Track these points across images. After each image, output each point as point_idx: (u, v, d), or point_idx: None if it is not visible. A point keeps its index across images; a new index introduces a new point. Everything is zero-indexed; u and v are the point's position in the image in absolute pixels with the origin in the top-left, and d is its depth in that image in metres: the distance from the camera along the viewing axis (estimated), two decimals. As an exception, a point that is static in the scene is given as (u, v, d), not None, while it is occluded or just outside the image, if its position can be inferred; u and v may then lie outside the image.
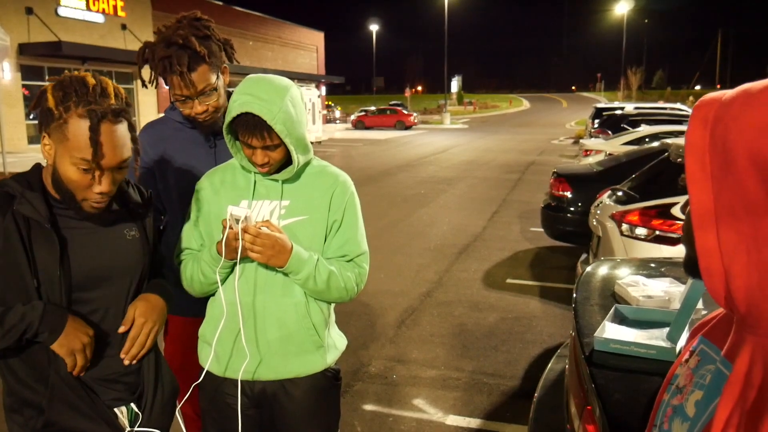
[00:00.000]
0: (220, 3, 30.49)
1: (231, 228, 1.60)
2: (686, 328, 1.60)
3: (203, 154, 2.14)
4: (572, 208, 6.19)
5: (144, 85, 2.06)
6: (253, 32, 33.34)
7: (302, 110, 1.71)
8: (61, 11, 21.01)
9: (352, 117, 39.36)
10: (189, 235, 1.83)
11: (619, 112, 14.90)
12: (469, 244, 7.60)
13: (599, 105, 18.83)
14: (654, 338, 1.70)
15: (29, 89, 20.00)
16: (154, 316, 1.58)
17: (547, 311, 5.15)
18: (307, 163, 1.79)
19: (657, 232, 4.06)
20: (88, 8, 22.08)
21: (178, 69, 1.93)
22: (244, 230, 1.59)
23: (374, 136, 29.89)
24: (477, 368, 4.05)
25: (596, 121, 15.82)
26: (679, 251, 3.82)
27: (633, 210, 4.28)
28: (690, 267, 0.75)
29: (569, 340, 2.25)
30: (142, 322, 1.55)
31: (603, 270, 2.50)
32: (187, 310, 2.10)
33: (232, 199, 1.77)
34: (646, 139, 9.44)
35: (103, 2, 22.59)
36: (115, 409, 1.58)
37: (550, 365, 2.65)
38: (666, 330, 1.69)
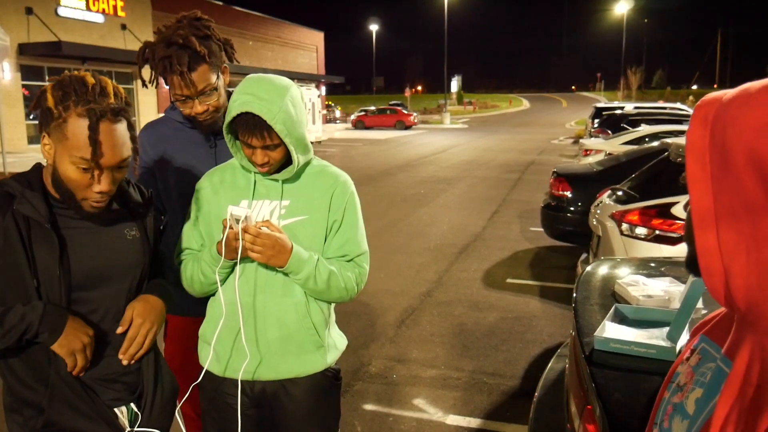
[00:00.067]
0: (220, 3, 30.49)
1: (231, 228, 1.60)
2: (686, 327, 1.60)
3: (203, 154, 2.14)
4: (572, 208, 6.19)
5: (144, 84, 2.06)
6: (252, 32, 33.34)
7: (302, 110, 1.71)
8: (61, 11, 21.01)
9: (352, 117, 39.36)
10: (189, 235, 1.83)
11: (618, 111, 14.90)
12: (469, 243, 7.60)
13: (599, 105, 18.83)
14: (654, 338, 1.70)
15: (29, 89, 20.00)
16: (152, 316, 1.58)
17: (547, 311, 5.16)
18: (307, 163, 1.79)
19: (657, 232, 4.06)
20: (88, 8, 22.09)
21: (178, 69, 1.93)
22: (245, 230, 1.59)
23: (374, 136, 29.89)
24: (477, 368, 4.05)
25: (596, 120, 15.82)
26: (678, 251, 3.82)
27: (633, 209, 4.29)
28: (692, 265, 0.76)
29: (569, 340, 2.25)
30: (140, 322, 1.55)
31: (603, 269, 2.50)
32: (187, 310, 2.10)
33: (232, 198, 1.77)
34: (646, 139, 9.43)
35: (102, 2, 22.60)
36: (115, 409, 1.58)
37: (550, 365, 2.65)
38: (666, 329, 1.69)
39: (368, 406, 3.54)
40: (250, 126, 1.61)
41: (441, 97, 64.42)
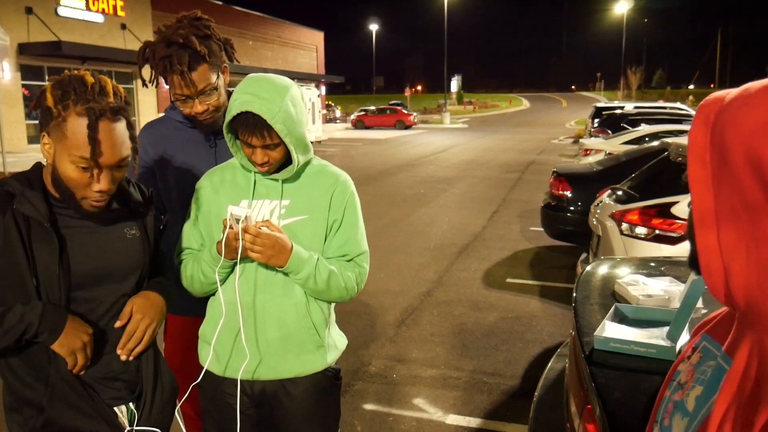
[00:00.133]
0: (220, 3, 30.48)
1: (231, 228, 1.60)
2: (686, 327, 1.60)
3: (203, 154, 2.14)
4: (572, 208, 6.19)
5: (144, 84, 2.06)
6: (252, 32, 33.35)
7: (302, 110, 1.71)
8: (61, 11, 21.01)
9: (352, 116, 39.36)
10: (189, 235, 1.83)
11: (618, 111, 14.91)
12: (469, 243, 7.60)
13: (599, 104, 18.84)
14: (654, 337, 1.70)
15: (29, 89, 20.00)
16: (151, 313, 1.57)
17: (547, 310, 5.16)
18: (307, 163, 1.79)
19: (657, 232, 4.06)
20: (88, 8, 22.09)
21: (178, 68, 1.93)
22: (245, 230, 1.59)
23: (374, 136, 29.89)
24: (477, 367, 4.05)
25: (596, 120, 15.83)
26: (678, 250, 3.82)
27: (633, 209, 4.29)
28: (694, 263, 0.76)
29: (569, 340, 2.25)
30: (139, 318, 1.55)
31: (603, 269, 2.50)
32: (187, 310, 2.10)
33: (232, 198, 1.77)
34: (646, 139, 9.44)
35: (102, 2, 22.59)
36: (115, 408, 1.58)
37: (550, 364, 2.65)
38: (666, 329, 1.69)
39: (368, 406, 3.54)
40: (251, 125, 1.61)
41: (441, 97, 64.42)
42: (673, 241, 3.96)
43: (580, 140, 14.21)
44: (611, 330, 1.75)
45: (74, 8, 21.53)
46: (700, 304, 1.80)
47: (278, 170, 1.75)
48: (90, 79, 1.44)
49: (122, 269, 1.57)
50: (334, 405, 1.90)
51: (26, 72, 20.02)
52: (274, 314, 1.73)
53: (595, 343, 1.67)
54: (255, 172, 1.75)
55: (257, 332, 1.73)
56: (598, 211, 4.80)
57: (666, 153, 4.95)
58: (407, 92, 55.81)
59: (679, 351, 1.55)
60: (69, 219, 1.50)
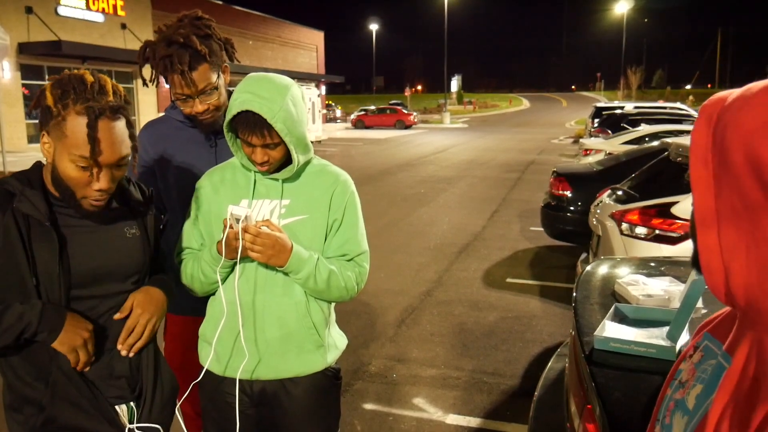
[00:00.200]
0: (220, 2, 30.49)
1: (231, 227, 1.60)
2: (686, 326, 1.60)
3: (204, 153, 2.14)
4: (572, 208, 6.20)
5: (144, 84, 2.07)
6: (253, 31, 33.36)
7: (303, 109, 1.71)
8: (61, 10, 21.01)
9: (352, 116, 39.37)
10: (189, 234, 1.83)
11: (618, 111, 14.91)
12: (468, 243, 7.60)
13: (599, 104, 18.84)
14: (654, 337, 1.70)
15: (29, 88, 20.01)
16: (152, 308, 1.57)
17: (547, 310, 5.16)
18: (307, 163, 1.79)
19: (657, 231, 4.06)
20: (88, 7, 22.09)
21: (179, 68, 1.93)
22: (245, 230, 1.59)
23: (374, 136, 29.89)
24: (477, 367, 4.05)
25: (596, 120, 15.83)
26: (678, 250, 3.82)
27: (633, 209, 4.29)
28: (696, 263, 0.76)
29: (569, 339, 2.25)
30: (139, 312, 1.55)
31: (603, 269, 2.50)
32: (188, 309, 2.11)
33: (232, 198, 1.77)
34: (646, 139, 9.44)
35: (102, 1, 22.60)
36: (116, 407, 1.58)
37: (550, 364, 2.65)
38: (666, 329, 1.69)
39: (368, 406, 3.54)
40: (251, 124, 1.61)
41: (441, 97, 64.42)
42: (673, 241, 3.96)
43: (580, 140, 14.21)
44: (611, 330, 1.75)
45: (74, 8, 21.54)
46: (700, 304, 1.80)
47: (278, 170, 1.75)
48: (89, 78, 1.44)
49: (122, 268, 1.57)
50: (334, 405, 1.90)
51: (26, 71, 20.02)
52: (274, 314, 1.73)
53: (595, 342, 1.67)
54: (255, 172, 1.75)
55: (257, 332, 1.73)
56: (598, 211, 4.80)
57: (666, 153, 4.95)
58: (407, 92, 55.82)
59: (679, 351, 1.55)
60: (69, 218, 1.49)
